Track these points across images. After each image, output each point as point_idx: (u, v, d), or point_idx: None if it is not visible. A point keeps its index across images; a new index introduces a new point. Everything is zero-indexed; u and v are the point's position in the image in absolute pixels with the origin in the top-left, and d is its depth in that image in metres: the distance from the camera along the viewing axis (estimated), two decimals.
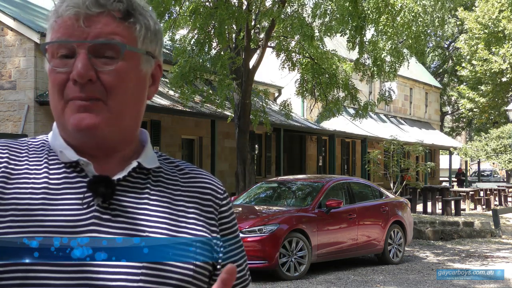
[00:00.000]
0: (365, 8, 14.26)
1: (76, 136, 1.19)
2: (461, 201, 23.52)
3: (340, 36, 15.08)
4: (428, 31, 16.29)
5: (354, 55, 17.33)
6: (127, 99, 1.20)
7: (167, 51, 20.04)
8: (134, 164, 1.22)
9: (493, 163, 38.93)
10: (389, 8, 14.13)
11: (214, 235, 1.26)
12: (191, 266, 1.19)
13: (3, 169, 1.19)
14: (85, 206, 1.17)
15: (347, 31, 14.82)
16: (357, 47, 15.23)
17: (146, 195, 1.22)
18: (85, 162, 1.20)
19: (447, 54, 50.95)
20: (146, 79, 1.25)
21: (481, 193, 27.01)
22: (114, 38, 1.18)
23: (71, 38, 1.17)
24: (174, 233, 1.20)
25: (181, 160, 1.35)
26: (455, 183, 33.98)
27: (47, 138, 1.28)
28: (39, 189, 1.17)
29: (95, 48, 1.17)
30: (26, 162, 1.22)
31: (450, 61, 50.28)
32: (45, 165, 1.22)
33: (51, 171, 1.21)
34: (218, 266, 1.25)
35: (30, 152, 1.24)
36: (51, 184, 1.19)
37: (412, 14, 14.02)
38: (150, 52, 1.24)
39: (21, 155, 1.23)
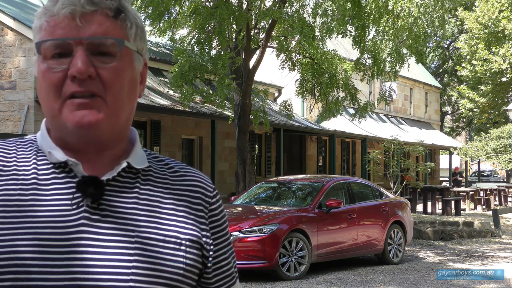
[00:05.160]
0: (366, 9, 14.25)
1: (76, 133, 1.18)
2: (461, 201, 23.52)
3: (342, 37, 15.07)
4: (428, 31, 16.29)
5: (354, 55, 17.32)
6: (123, 95, 1.21)
7: (167, 51, 20.03)
8: (124, 164, 1.22)
9: (493, 163, 38.92)
10: (390, 9, 14.13)
11: (204, 233, 1.26)
12: (181, 265, 1.20)
13: None
14: (74, 207, 1.17)
15: (351, 31, 14.81)
16: (358, 47, 15.24)
17: (136, 195, 1.23)
18: (74, 163, 1.20)
19: (447, 54, 50.96)
20: (138, 77, 1.26)
21: (481, 193, 27.01)
22: (108, 36, 1.19)
23: (66, 36, 1.17)
24: (164, 232, 1.21)
25: (170, 158, 1.35)
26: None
27: (35, 138, 1.28)
28: (28, 190, 1.18)
29: (92, 45, 1.17)
30: (14, 162, 1.22)
31: (450, 61, 50.29)
32: (34, 165, 1.22)
33: (39, 172, 1.21)
34: (209, 264, 1.27)
35: (19, 152, 1.24)
36: (40, 185, 1.19)
37: (412, 17, 14.02)
38: (139, 50, 1.25)
39: (9, 155, 1.23)
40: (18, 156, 1.23)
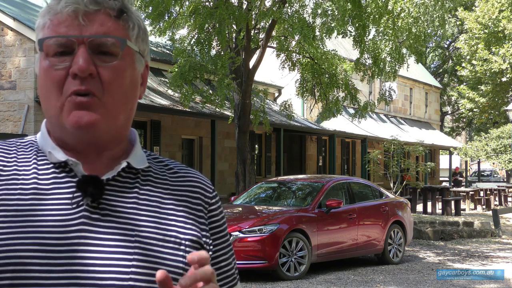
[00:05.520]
0: (366, 9, 14.25)
1: (74, 134, 1.19)
2: (461, 201, 23.52)
3: (342, 37, 15.07)
4: (428, 31, 16.29)
5: (354, 55, 17.30)
6: (122, 96, 1.21)
7: (167, 51, 20.04)
8: (123, 164, 1.23)
9: (493, 163, 38.92)
10: (390, 9, 14.13)
11: (204, 233, 1.27)
12: (181, 264, 1.20)
13: None
14: (74, 206, 1.17)
15: (351, 31, 14.82)
16: (358, 46, 15.25)
17: (135, 195, 1.23)
18: (74, 162, 1.20)
19: (447, 54, 50.97)
20: (139, 78, 1.27)
21: (481, 193, 27.01)
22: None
23: (69, 34, 1.18)
24: (164, 232, 1.21)
25: (170, 159, 1.36)
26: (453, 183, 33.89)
27: (35, 139, 1.28)
28: (28, 190, 1.18)
29: (94, 44, 1.18)
30: (14, 163, 1.22)
31: (450, 61, 50.30)
32: (34, 165, 1.22)
33: (40, 172, 1.21)
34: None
35: (19, 153, 1.24)
36: (41, 184, 1.19)
37: (412, 18, 14.02)
38: (141, 51, 1.26)
39: (10, 156, 1.23)
40: (19, 157, 1.23)
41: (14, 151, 1.25)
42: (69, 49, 1.18)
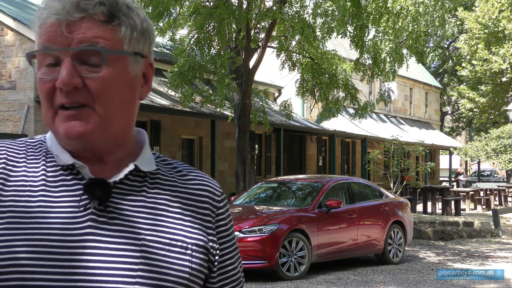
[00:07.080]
0: (366, 9, 14.25)
1: (68, 143, 1.19)
2: (461, 201, 23.51)
3: (342, 37, 15.06)
4: (429, 31, 16.29)
5: (354, 55, 17.28)
6: (114, 103, 1.18)
7: (167, 51, 20.03)
8: (131, 167, 1.22)
9: (493, 163, 38.92)
10: (390, 9, 14.13)
11: (211, 237, 1.26)
12: (187, 269, 1.20)
13: (1, 171, 1.18)
14: (81, 209, 1.17)
15: (350, 31, 14.81)
16: (355, 46, 15.24)
17: (143, 198, 1.22)
18: (80, 165, 1.20)
19: (447, 54, 50.97)
20: (136, 81, 1.23)
21: (481, 193, 27.00)
22: (98, 42, 1.16)
23: (54, 46, 1.16)
24: (170, 236, 1.20)
25: (178, 161, 1.35)
26: (454, 184, 33.85)
27: (44, 139, 1.27)
28: (36, 192, 1.17)
29: (79, 54, 1.16)
30: (24, 163, 1.21)
31: (450, 61, 50.31)
32: (43, 167, 1.21)
33: (48, 174, 1.20)
34: (214, 269, 1.27)
35: (28, 153, 1.24)
36: (49, 187, 1.18)
37: (411, 16, 14.02)
38: (138, 52, 1.22)
39: (19, 156, 1.22)
40: (28, 157, 1.23)
41: (24, 151, 1.24)
42: (56, 60, 1.17)
